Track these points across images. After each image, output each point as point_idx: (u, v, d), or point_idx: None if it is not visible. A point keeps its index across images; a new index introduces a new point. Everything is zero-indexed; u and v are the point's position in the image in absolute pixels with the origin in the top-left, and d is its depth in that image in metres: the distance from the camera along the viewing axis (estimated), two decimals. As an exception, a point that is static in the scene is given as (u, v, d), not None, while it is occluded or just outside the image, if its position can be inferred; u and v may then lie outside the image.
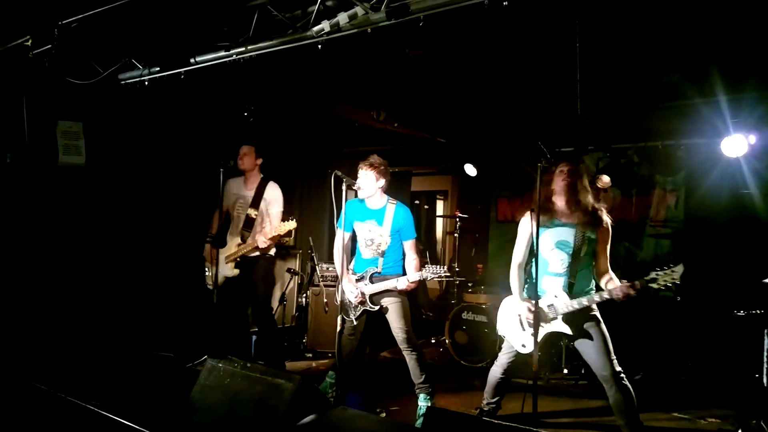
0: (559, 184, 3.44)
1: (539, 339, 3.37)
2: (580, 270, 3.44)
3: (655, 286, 3.13)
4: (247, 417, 2.86)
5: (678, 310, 5.72)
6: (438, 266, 3.81)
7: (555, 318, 3.42)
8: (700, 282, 5.62)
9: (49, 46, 4.07)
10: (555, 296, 3.43)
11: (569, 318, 3.39)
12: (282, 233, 4.60)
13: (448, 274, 3.79)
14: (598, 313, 3.43)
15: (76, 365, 4.48)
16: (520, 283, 3.59)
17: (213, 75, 4.44)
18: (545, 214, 3.44)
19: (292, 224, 4.56)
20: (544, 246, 3.48)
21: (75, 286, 4.97)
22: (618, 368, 3.31)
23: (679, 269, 3.07)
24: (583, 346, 3.42)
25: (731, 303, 4.29)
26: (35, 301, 4.70)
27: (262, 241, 4.62)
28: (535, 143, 3.37)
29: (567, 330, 3.40)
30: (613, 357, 3.33)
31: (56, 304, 4.83)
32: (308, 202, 7.29)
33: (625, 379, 3.32)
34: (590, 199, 3.45)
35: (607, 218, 3.45)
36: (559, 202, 3.47)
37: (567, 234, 3.44)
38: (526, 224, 3.60)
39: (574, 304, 3.35)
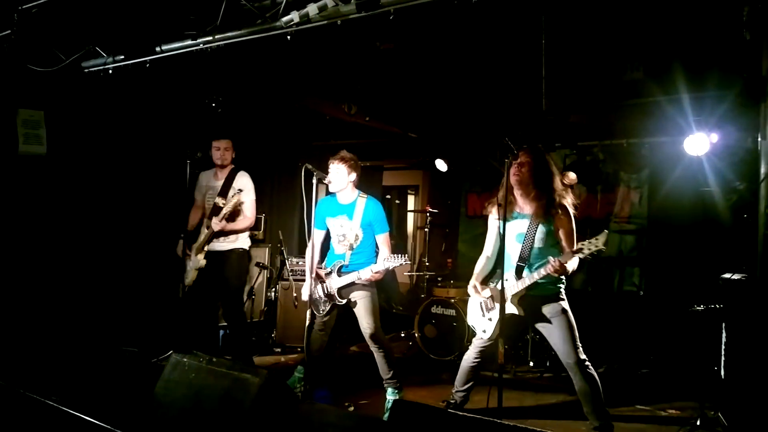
0: (512, 178, 3.49)
1: (494, 322, 3.52)
2: (543, 261, 3.47)
3: (581, 255, 3.23)
4: (212, 412, 2.83)
5: (640, 304, 5.85)
6: (399, 254, 3.83)
7: (505, 301, 3.45)
8: (662, 277, 5.78)
9: (9, 31, 3.95)
10: (506, 280, 3.50)
11: (521, 301, 3.47)
12: (229, 209, 4.54)
13: (408, 260, 3.83)
14: (565, 304, 3.50)
15: (35, 359, 4.36)
16: (478, 271, 3.73)
17: (180, 64, 4.36)
18: (509, 206, 3.50)
19: (237, 198, 4.55)
20: (508, 239, 3.52)
21: (35, 279, 4.83)
22: (583, 356, 3.40)
23: (603, 237, 3.18)
24: (549, 334, 3.50)
25: (691, 298, 4.40)
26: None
27: (215, 223, 4.56)
28: (502, 139, 3.41)
29: (515, 311, 3.46)
30: (578, 345, 3.42)
31: (15, 296, 4.69)
32: (278, 195, 7.23)
33: (590, 367, 3.41)
34: (552, 186, 3.49)
35: (565, 205, 3.48)
36: (516, 194, 3.56)
37: (523, 226, 3.52)
38: (492, 218, 3.71)
39: (519, 285, 3.44)
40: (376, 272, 3.91)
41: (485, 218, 3.86)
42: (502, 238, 3.35)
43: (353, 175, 4.09)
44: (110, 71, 4.55)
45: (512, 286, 3.47)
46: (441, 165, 6.92)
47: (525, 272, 3.49)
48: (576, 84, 4.88)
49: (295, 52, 3.97)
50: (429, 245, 6.52)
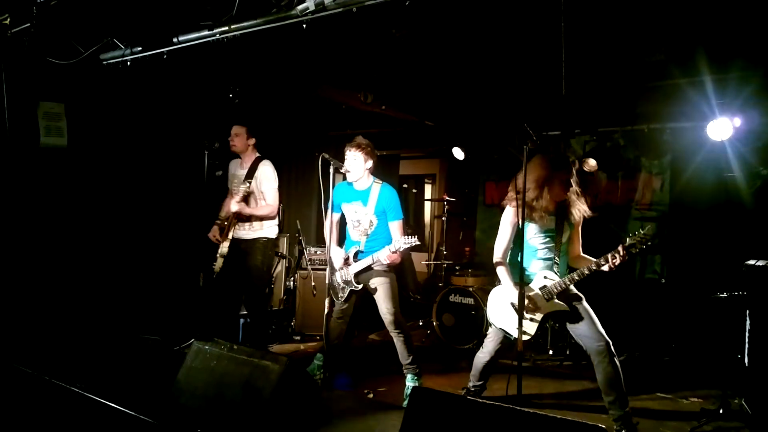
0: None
1: (539, 323, 3.47)
2: (562, 253, 3.59)
3: (634, 251, 3.29)
4: (233, 399, 2.86)
5: (662, 292, 5.78)
6: (410, 236, 3.84)
7: (550, 299, 3.48)
8: (685, 264, 5.70)
9: (28, 24, 3.98)
10: (545, 277, 3.50)
11: (562, 297, 3.48)
12: (242, 194, 4.57)
13: (418, 241, 3.83)
14: (578, 292, 3.53)
15: (61, 348, 4.45)
16: (509, 272, 3.59)
17: (197, 55, 4.37)
18: (529, 209, 3.47)
19: (244, 186, 4.60)
20: (531, 233, 3.55)
21: (60, 270, 4.92)
22: (609, 339, 3.40)
23: (649, 229, 3.28)
24: (574, 325, 3.48)
25: (714, 285, 4.34)
26: (19, 284, 4.64)
27: (232, 204, 4.61)
28: (521, 126, 3.37)
29: (565, 307, 3.46)
30: (602, 328, 3.42)
31: (40, 287, 4.78)
32: (295, 185, 7.25)
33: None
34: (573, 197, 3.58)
35: (584, 207, 3.57)
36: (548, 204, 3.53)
37: (551, 222, 3.56)
38: (510, 215, 3.60)
39: (566, 281, 3.44)
40: (394, 252, 3.88)
41: (503, 207, 3.82)
42: (521, 231, 3.33)
43: (370, 162, 4.09)
44: (128, 63, 4.57)
45: (556, 284, 3.47)
46: (458, 153, 6.87)
47: (561, 268, 3.53)
48: (597, 67, 4.80)
49: (310, 39, 3.94)
50: (446, 234, 6.50)
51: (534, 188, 3.45)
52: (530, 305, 3.46)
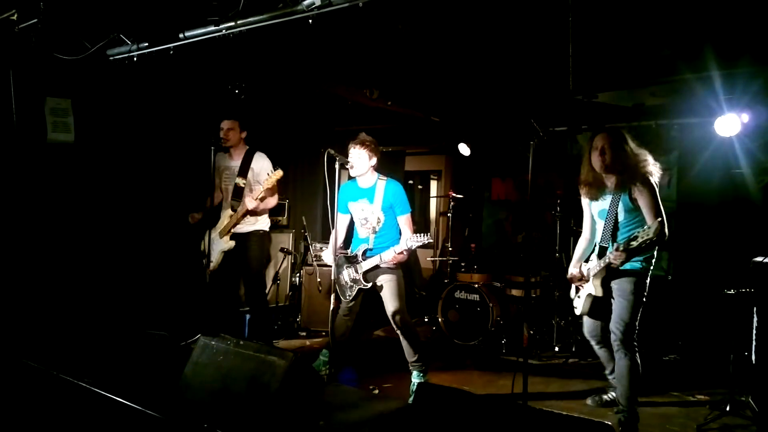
0: (596, 163, 3.57)
1: (584, 303, 3.66)
2: (629, 234, 3.38)
3: (635, 243, 3.22)
4: (239, 394, 2.87)
5: (669, 288, 5.76)
6: (421, 233, 3.81)
7: (589, 280, 3.61)
8: (692, 261, 5.67)
9: (35, 20, 4.00)
10: (590, 260, 3.66)
11: (602, 279, 3.55)
12: (270, 186, 4.53)
13: (431, 239, 3.81)
14: (637, 283, 3.47)
15: (69, 343, 4.47)
16: (576, 254, 3.82)
17: (203, 51, 4.37)
18: (596, 186, 3.61)
19: (278, 173, 4.50)
20: (594, 218, 3.71)
21: (67, 265, 4.94)
22: (631, 336, 3.49)
23: (654, 225, 3.16)
24: (604, 316, 3.61)
25: (722, 282, 4.32)
26: (26, 279, 4.67)
27: (249, 201, 4.56)
28: (527, 122, 3.36)
29: (592, 291, 3.57)
30: (633, 324, 3.49)
31: (48, 282, 4.81)
32: (301, 181, 7.25)
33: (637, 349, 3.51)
34: (633, 160, 3.49)
35: (645, 176, 3.47)
36: (602, 174, 3.60)
37: (605, 203, 3.60)
38: (582, 199, 3.80)
39: (600, 264, 3.50)
40: (399, 253, 3.90)
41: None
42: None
43: (374, 159, 4.09)
44: (135, 59, 4.58)
45: (594, 266, 3.56)
46: (464, 149, 6.85)
47: (609, 250, 3.53)
48: (604, 61, 4.77)
49: (316, 35, 3.94)
50: (452, 230, 6.49)
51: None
52: (583, 279, 3.69)
